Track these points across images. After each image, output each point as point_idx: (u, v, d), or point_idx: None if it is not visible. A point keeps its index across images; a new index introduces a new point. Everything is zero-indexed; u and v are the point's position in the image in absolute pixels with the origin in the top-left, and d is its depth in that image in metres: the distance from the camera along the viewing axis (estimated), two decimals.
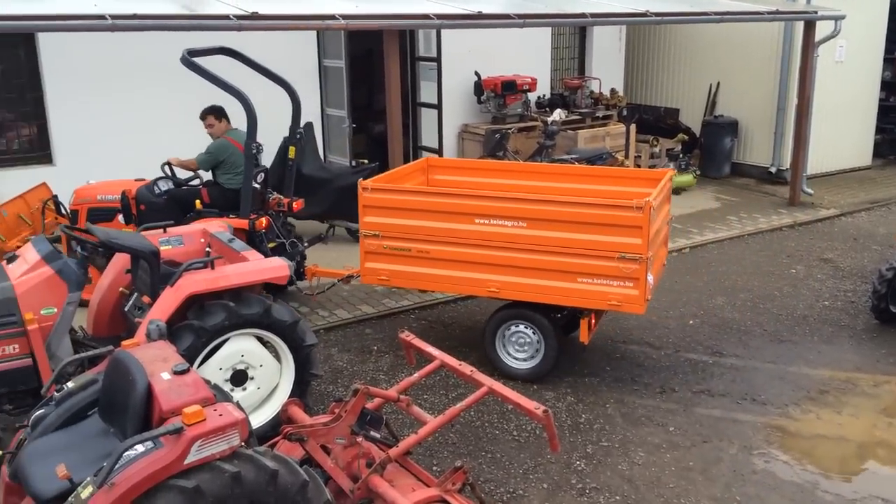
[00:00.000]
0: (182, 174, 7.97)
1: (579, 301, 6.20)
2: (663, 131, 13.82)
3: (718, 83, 13.84)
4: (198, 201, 7.46)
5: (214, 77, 6.57)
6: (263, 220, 7.19)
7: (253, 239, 7.01)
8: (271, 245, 7.35)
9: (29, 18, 6.09)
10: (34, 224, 7.96)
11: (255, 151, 7.09)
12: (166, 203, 7.60)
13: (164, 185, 7.72)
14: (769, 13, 10.45)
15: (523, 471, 5.39)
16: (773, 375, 6.75)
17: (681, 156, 12.78)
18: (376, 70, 13.90)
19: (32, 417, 3.82)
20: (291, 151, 7.62)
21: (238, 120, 7.30)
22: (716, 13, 9.89)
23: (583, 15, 8.84)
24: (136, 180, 7.87)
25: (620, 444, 5.73)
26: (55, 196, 7.98)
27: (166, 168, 7.88)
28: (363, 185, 6.60)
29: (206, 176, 7.91)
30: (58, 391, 3.87)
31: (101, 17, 5.99)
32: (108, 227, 7.40)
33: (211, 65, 6.62)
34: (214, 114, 7.67)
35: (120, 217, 7.60)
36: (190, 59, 6.45)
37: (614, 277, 5.99)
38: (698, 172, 13.09)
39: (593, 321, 6.45)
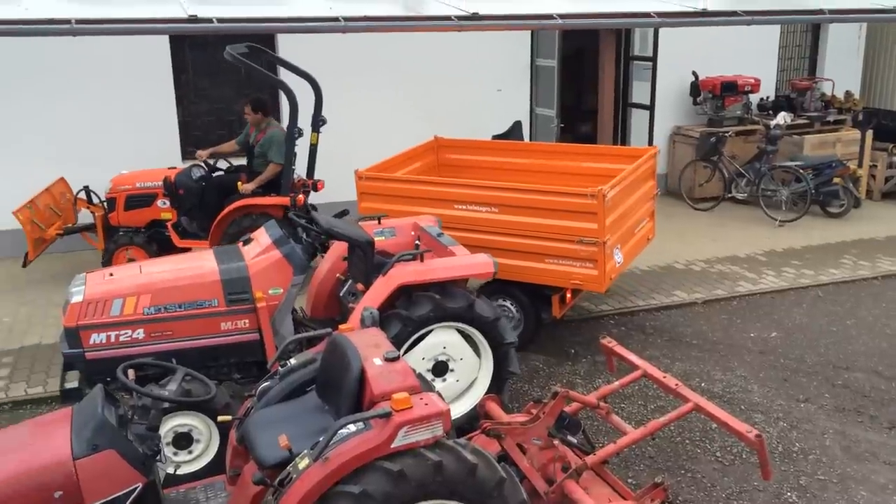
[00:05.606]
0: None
1: (547, 279, 6.70)
2: None
3: None
4: (239, 184, 8.16)
5: (258, 69, 7.25)
6: (301, 197, 7.88)
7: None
8: None
9: (273, 21, 6.60)
10: (64, 214, 8.44)
11: (296, 136, 7.79)
12: (204, 188, 8.35)
13: (198, 172, 8.50)
14: None
15: (726, 495, 5.09)
16: None
17: None
18: (586, 69, 13.74)
19: (259, 389, 4.13)
20: (314, 137, 8.19)
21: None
22: None
23: (820, 11, 8.13)
24: (168, 168, 8.56)
25: (839, 479, 5.25)
26: (87, 186, 8.47)
27: (200, 157, 8.65)
28: (359, 174, 7.16)
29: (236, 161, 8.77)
30: (281, 366, 4.17)
31: (335, 19, 6.34)
32: (146, 211, 8.23)
33: None
34: (251, 105, 8.45)
35: (159, 201, 8.29)
36: (234, 55, 7.13)
37: (576, 259, 6.48)
38: None
39: (569, 296, 6.86)
